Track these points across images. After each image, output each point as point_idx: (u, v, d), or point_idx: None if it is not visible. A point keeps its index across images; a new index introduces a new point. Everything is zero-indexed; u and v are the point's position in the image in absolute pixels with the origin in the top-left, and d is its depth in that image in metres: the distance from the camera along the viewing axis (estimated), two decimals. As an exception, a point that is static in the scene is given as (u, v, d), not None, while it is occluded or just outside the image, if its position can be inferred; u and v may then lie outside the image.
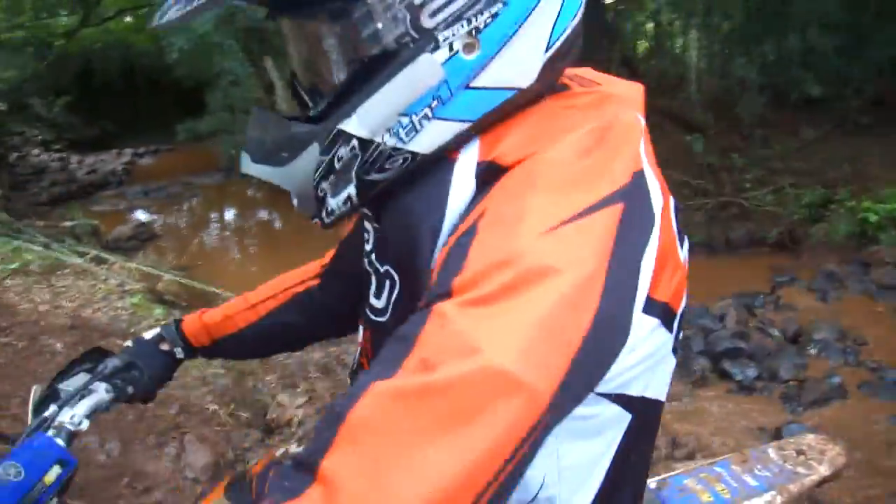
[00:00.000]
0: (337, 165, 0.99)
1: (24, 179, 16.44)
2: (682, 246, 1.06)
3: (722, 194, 10.67)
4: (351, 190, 1.01)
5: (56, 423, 1.34)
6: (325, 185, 1.02)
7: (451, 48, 0.93)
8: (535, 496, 0.94)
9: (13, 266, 7.40)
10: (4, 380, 4.96)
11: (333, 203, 1.03)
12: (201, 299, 8.25)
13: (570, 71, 1.13)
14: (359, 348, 1.25)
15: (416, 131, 0.96)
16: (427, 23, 0.93)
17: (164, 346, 1.61)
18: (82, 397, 1.42)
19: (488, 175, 0.92)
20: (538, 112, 0.99)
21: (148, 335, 1.63)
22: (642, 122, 1.00)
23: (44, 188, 15.97)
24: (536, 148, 0.92)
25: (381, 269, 1.07)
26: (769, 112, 12.27)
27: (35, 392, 1.50)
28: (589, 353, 0.78)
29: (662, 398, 1.06)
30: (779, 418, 5.40)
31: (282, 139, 1.01)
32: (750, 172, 10.85)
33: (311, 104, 1.06)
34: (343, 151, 0.98)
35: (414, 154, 0.97)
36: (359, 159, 0.98)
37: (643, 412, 1.00)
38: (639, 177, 0.92)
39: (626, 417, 0.98)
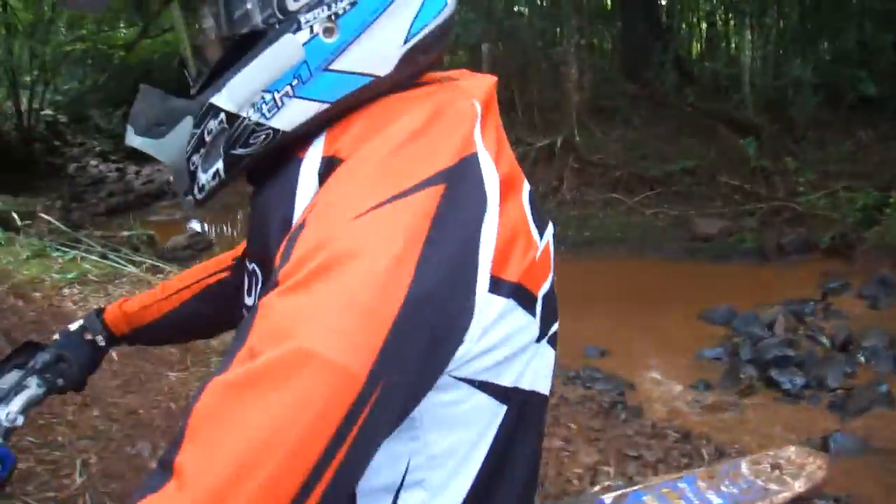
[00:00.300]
0: (207, 138, 1.05)
1: (82, 190, 16.75)
2: (541, 232, 1.06)
3: (774, 199, 10.55)
4: (219, 164, 1.06)
5: None
6: (196, 158, 1.08)
7: (311, 31, 0.99)
8: (403, 479, 0.97)
9: (71, 276, 7.55)
10: (60, 388, 5.08)
11: (203, 178, 1.09)
12: (253, 308, 8.40)
13: (447, 73, 1.15)
14: None
15: (278, 108, 1.01)
16: (291, 6, 1.00)
17: (88, 336, 1.66)
18: (16, 394, 1.46)
19: (328, 170, 0.96)
20: (378, 105, 1.02)
21: (73, 326, 1.68)
22: (478, 107, 1.01)
23: (102, 199, 16.27)
24: (367, 139, 0.95)
25: (249, 267, 1.11)
26: (823, 113, 12.10)
27: None
28: (409, 330, 0.80)
29: (541, 391, 1.08)
30: (825, 427, 5.34)
31: (161, 112, 1.08)
32: (803, 176, 10.71)
33: (192, 82, 1.12)
34: (213, 125, 1.04)
35: (276, 130, 1.02)
36: (226, 133, 1.04)
37: (519, 404, 1.02)
38: (468, 159, 0.94)
39: (501, 409, 1.00)
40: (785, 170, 11.00)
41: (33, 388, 1.50)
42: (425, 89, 1.05)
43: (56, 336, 1.67)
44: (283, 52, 1.00)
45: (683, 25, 17.26)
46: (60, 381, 1.57)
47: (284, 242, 0.88)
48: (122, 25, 20.10)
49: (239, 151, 1.04)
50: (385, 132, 0.94)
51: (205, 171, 1.08)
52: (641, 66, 14.14)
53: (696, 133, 12.62)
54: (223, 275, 1.65)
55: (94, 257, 8.60)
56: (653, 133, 12.86)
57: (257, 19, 1.01)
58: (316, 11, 0.99)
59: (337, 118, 1.02)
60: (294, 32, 0.99)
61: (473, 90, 1.05)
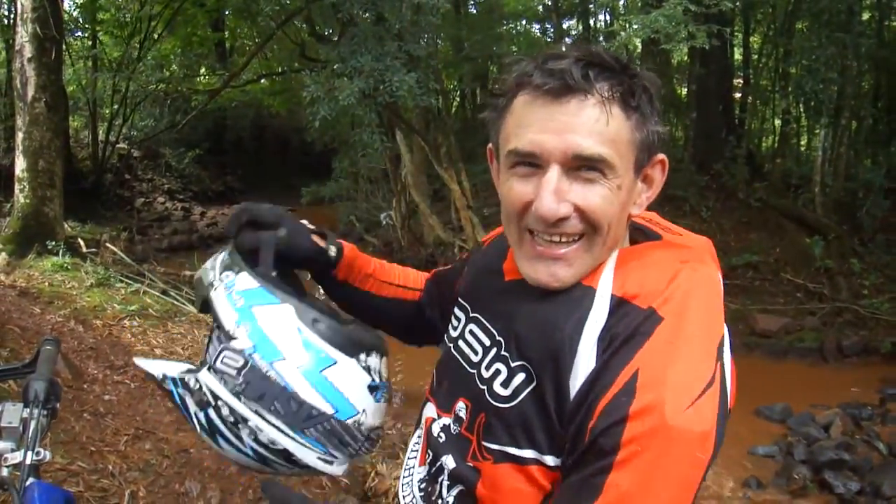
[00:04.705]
0: None
1: (147, 225, 17.14)
2: None
3: (837, 300, 10.42)
4: None
5: (29, 465, 1.45)
6: None
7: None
8: None
9: (132, 308, 7.66)
10: (116, 417, 5.12)
11: None
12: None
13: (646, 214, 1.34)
14: (440, 419, 1.35)
15: None
16: None
17: (322, 243, 1.68)
18: (24, 430, 1.51)
19: (617, 307, 1.12)
20: (651, 255, 1.21)
21: (305, 222, 1.68)
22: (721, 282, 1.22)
23: (165, 235, 16.62)
24: (655, 295, 1.12)
25: (513, 364, 1.19)
26: (893, 216, 12.01)
27: None
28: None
29: None
30: (879, 537, 5.20)
31: None
32: (868, 279, 10.59)
33: None
34: None
35: None
36: None
37: None
38: (722, 338, 1.12)
39: None
40: (850, 271, 10.91)
41: (42, 420, 1.54)
42: (683, 252, 1.24)
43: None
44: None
45: (757, 121, 17.22)
46: (58, 405, 1.63)
47: (609, 401, 1.05)
48: (202, 72, 20.67)
49: None
50: (686, 312, 1.10)
51: None
52: (713, 158, 14.17)
53: (763, 228, 12.58)
54: (414, 294, 1.75)
55: (155, 292, 8.73)
56: (719, 225, 12.81)
57: None
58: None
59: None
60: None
61: (706, 254, 1.26)
